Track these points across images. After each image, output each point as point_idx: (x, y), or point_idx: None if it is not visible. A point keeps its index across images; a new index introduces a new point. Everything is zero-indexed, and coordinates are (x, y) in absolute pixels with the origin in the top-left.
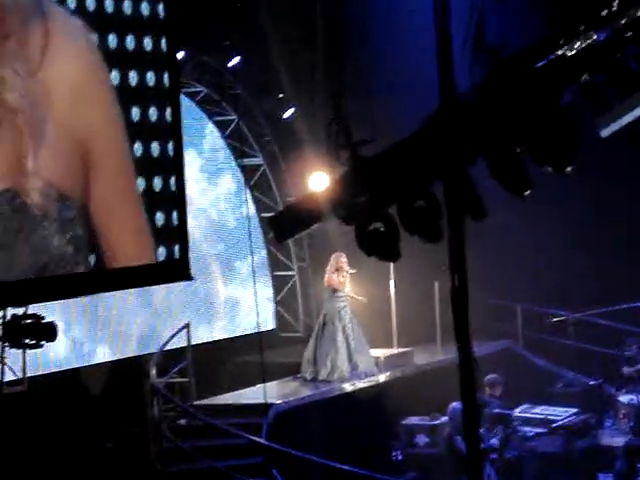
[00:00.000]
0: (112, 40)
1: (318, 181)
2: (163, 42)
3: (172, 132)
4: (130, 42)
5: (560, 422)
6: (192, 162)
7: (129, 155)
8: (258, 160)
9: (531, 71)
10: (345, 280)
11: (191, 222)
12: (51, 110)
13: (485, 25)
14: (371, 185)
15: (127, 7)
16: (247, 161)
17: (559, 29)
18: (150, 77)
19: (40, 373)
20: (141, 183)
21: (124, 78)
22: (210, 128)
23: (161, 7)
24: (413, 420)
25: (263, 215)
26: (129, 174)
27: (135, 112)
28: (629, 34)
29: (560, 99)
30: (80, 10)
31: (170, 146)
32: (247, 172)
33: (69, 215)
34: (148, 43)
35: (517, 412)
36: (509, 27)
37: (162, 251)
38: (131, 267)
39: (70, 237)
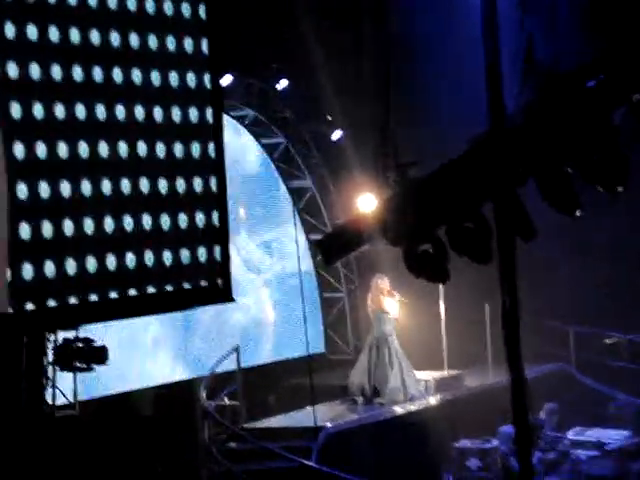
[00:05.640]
0: (155, 77)
1: (366, 203)
2: (207, 77)
3: (215, 168)
4: (174, 79)
5: (613, 445)
6: (239, 184)
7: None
8: (307, 183)
9: (582, 91)
10: (390, 303)
11: (240, 244)
12: None
13: (534, 46)
14: (419, 207)
15: (170, 42)
16: (296, 184)
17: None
18: (193, 113)
19: (91, 397)
20: (183, 219)
21: (167, 113)
22: (258, 151)
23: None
24: (464, 443)
25: (312, 237)
26: None
27: (178, 149)
28: None
29: (611, 119)
30: (125, 47)
31: (213, 181)
32: (296, 195)
33: None
34: (192, 78)
35: (570, 435)
36: (558, 48)
37: (204, 284)
38: (173, 291)
39: None
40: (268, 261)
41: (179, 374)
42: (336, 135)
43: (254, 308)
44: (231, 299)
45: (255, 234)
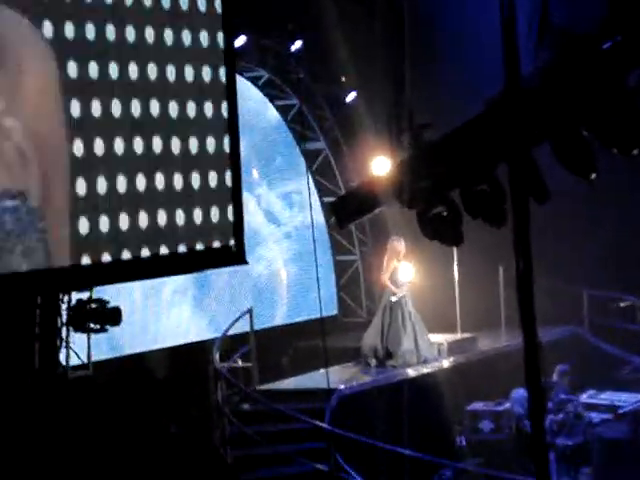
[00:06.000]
0: (168, 35)
1: (380, 165)
2: (220, 37)
3: (229, 127)
4: (186, 37)
5: (627, 408)
6: (253, 147)
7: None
8: (320, 145)
9: (597, 53)
10: (405, 265)
11: (252, 207)
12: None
13: (550, 7)
14: (433, 169)
15: (183, 3)
16: (309, 146)
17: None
18: (207, 71)
19: (105, 357)
20: (196, 178)
21: (180, 73)
22: (272, 112)
23: (218, 3)
24: (477, 406)
25: (325, 200)
26: (68, 177)
27: (191, 107)
28: None
29: (626, 81)
30: (138, 5)
31: (226, 141)
32: (309, 157)
33: (42, 227)
34: (205, 37)
35: (583, 398)
36: (574, 10)
37: (217, 244)
38: (185, 252)
39: (48, 251)
40: (288, 213)
41: (192, 336)
42: (350, 97)
43: (271, 264)
44: (244, 261)
45: (275, 185)
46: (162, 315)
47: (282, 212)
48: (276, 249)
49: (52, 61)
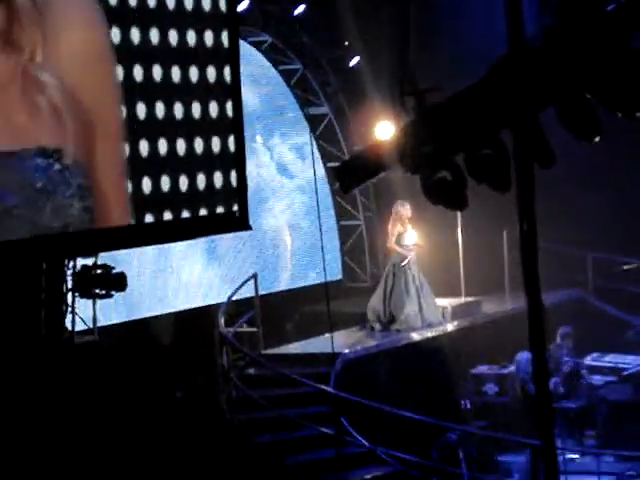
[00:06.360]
0: (170, 1)
1: (384, 130)
2: (222, 0)
3: (232, 92)
4: (188, 2)
5: (631, 370)
6: (256, 113)
7: (122, 122)
8: (324, 109)
9: (601, 14)
10: (411, 229)
11: (257, 172)
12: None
13: None
14: (437, 133)
15: None
16: (313, 110)
17: None
18: (209, 36)
19: (110, 323)
20: (200, 144)
21: (182, 39)
22: (275, 77)
23: None
24: (482, 369)
25: (329, 165)
26: (121, 140)
27: (193, 72)
28: None
29: (631, 43)
30: None
31: (229, 105)
32: (313, 122)
33: (84, 183)
34: (207, 1)
35: (587, 361)
36: None
37: (220, 210)
38: (188, 218)
39: (86, 206)
40: (300, 164)
41: (198, 301)
42: (354, 61)
43: (276, 230)
44: (247, 227)
45: (287, 136)
46: (167, 280)
47: (295, 164)
48: (285, 204)
49: (102, 25)
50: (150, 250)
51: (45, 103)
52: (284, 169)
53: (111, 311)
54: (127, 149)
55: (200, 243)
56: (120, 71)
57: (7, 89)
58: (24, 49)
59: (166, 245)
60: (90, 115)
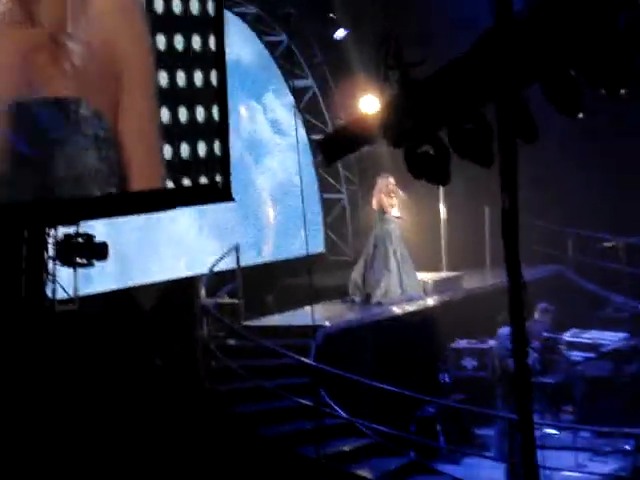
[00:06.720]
0: None
1: (368, 103)
2: None
3: (216, 62)
4: None
5: (609, 347)
6: (241, 84)
7: (155, 85)
8: (308, 82)
9: None
10: (394, 202)
11: (240, 144)
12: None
13: None
14: (421, 107)
15: None
16: (297, 82)
17: None
18: (195, 5)
19: (91, 292)
20: (183, 114)
21: (168, 6)
22: (260, 48)
23: None
24: (461, 343)
25: (313, 137)
26: (154, 102)
27: (178, 41)
28: None
29: (617, 22)
30: None
31: (214, 75)
32: (297, 94)
33: (102, 134)
34: None
35: (566, 337)
36: None
37: (204, 180)
38: (170, 188)
39: (104, 156)
40: (293, 122)
41: (180, 271)
42: (339, 34)
43: (259, 201)
44: (230, 198)
45: (281, 93)
46: (149, 250)
47: (288, 122)
48: (289, 155)
49: None
50: (134, 220)
51: (70, 65)
52: (269, 138)
53: (92, 280)
54: None
55: (185, 213)
56: None
57: (33, 56)
58: (48, 21)
59: (151, 215)
60: (120, 65)
